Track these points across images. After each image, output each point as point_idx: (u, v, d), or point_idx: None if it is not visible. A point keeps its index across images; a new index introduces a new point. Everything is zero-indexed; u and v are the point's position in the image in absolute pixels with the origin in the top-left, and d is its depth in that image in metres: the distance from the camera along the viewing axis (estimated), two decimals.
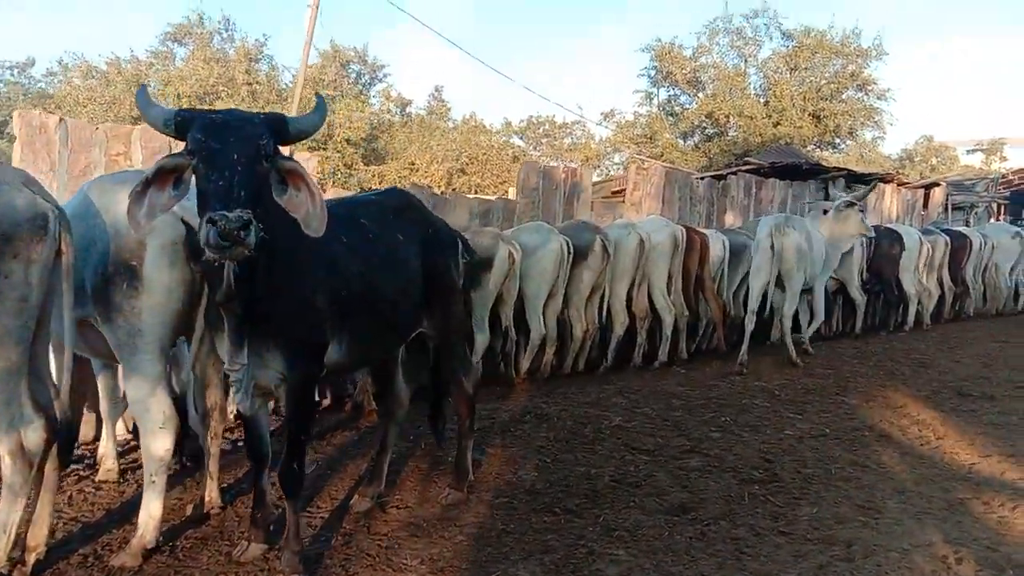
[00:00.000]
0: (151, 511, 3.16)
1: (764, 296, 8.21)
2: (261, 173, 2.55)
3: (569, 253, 7.50)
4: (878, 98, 23.99)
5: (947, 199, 21.53)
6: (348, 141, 19.96)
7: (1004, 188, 32.55)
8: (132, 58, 24.01)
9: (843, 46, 23.89)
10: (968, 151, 45.74)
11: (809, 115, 22.65)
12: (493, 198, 12.34)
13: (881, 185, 18.10)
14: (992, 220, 22.14)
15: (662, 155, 22.74)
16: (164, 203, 2.58)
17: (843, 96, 23.58)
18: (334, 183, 18.75)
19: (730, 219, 13.56)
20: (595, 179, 15.12)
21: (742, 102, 22.80)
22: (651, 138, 24.79)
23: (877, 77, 23.57)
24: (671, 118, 25.79)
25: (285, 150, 2.92)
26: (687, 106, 25.22)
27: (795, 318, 8.76)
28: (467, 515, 3.79)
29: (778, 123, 22.54)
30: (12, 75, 30.73)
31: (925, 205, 20.30)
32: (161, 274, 3.06)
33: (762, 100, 24.08)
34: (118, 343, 3.15)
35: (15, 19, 48.52)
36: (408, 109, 37.33)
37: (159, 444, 3.15)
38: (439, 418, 4.04)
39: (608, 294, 7.93)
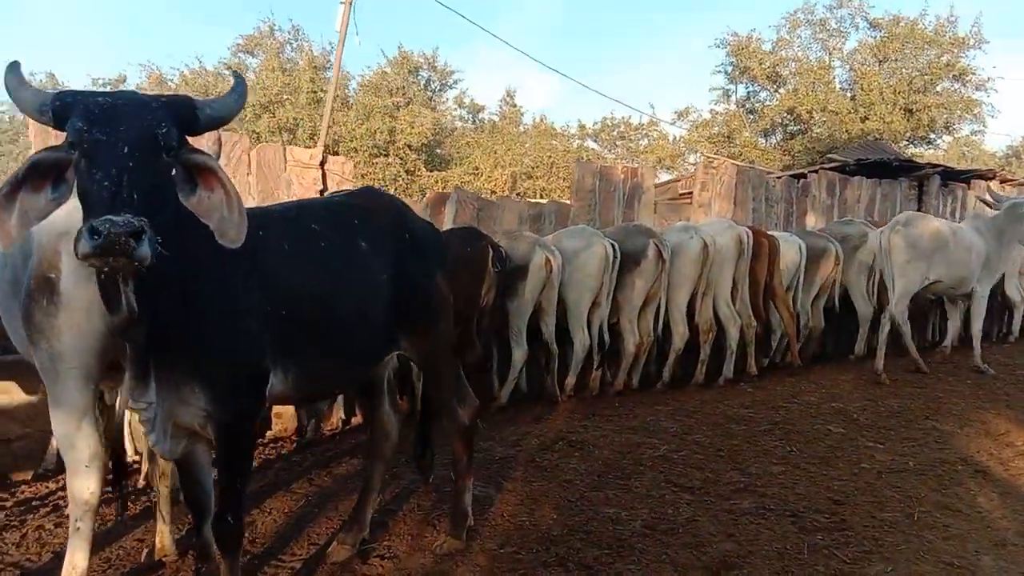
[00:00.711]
0: (75, 562, 2.74)
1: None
2: (160, 169, 2.06)
3: (616, 258, 6.89)
4: (977, 89, 22.28)
5: None
6: (410, 147, 19.71)
7: None
8: (200, 68, 24.42)
9: (937, 35, 22.28)
10: None
11: (900, 109, 21.15)
12: (545, 202, 11.78)
13: (982, 183, 16.74)
14: None
15: (740, 154, 21.66)
16: (41, 208, 2.12)
17: (937, 88, 21.96)
18: (395, 190, 18.55)
19: (811, 221, 12.62)
20: (663, 179, 14.36)
21: (826, 96, 21.49)
22: (728, 137, 23.68)
23: (975, 67, 21.95)
24: (750, 116, 24.63)
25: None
26: (767, 103, 23.99)
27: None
28: (462, 568, 3.25)
29: (866, 118, 21.11)
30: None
31: None
32: (79, 289, 2.64)
33: (848, 94, 22.67)
34: (42, 368, 2.75)
35: (109, 36, 50.67)
36: (481, 115, 37.37)
37: (84, 485, 2.73)
38: (425, 450, 3.51)
39: (665, 303, 7.27)
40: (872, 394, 6.83)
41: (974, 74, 22.16)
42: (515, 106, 36.67)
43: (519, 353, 6.59)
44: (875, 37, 23.16)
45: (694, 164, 26.00)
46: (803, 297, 8.71)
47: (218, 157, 4.37)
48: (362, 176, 18.68)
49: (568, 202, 10.42)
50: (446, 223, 8.86)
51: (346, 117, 19.83)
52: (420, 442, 3.52)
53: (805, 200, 12.83)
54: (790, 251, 8.36)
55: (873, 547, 3.64)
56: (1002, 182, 17.73)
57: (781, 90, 23.27)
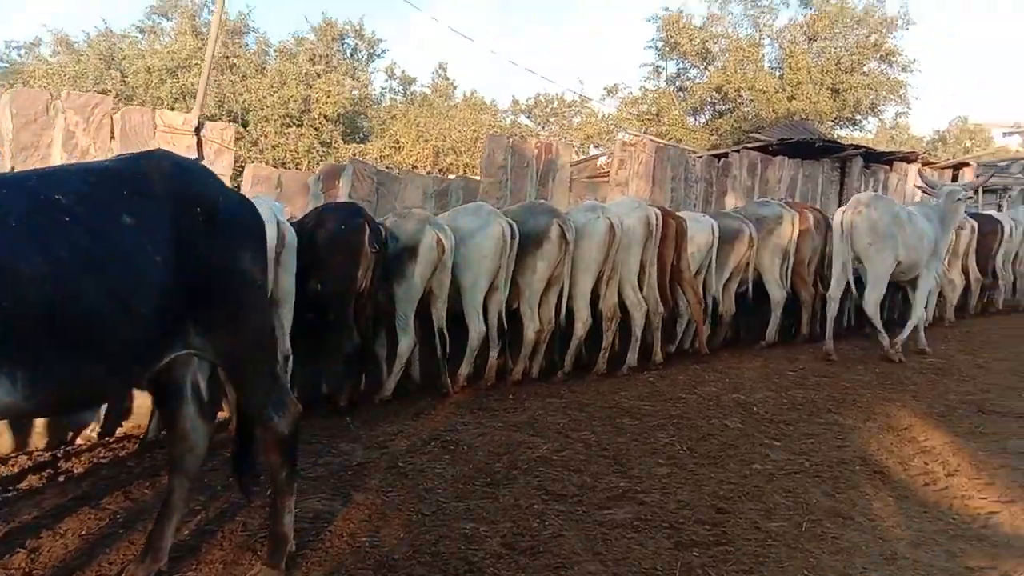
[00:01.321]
0: None
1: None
2: None
3: (513, 239, 6.48)
4: (903, 70, 22.52)
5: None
6: (326, 117, 18.91)
7: None
8: (107, 31, 23.04)
9: (867, 14, 22.43)
10: (1005, 133, 44.11)
11: (827, 89, 21.24)
12: (452, 177, 11.31)
13: (904, 166, 16.89)
14: None
15: (667, 133, 21.49)
16: None
17: (864, 68, 22.11)
18: (309, 162, 17.80)
19: (732, 201, 12.44)
20: (590, 155, 13.96)
21: (754, 75, 21.42)
22: (657, 115, 23.51)
23: (902, 47, 22.15)
24: (680, 93, 24.47)
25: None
26: (696, 80, 23.85)
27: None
28: None
29: (792, 97, 21.12)
30: (19, 55, 29.87)
31: None
32: None
33: (777, 73, 22.65)
34: None
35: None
36: (413, 88, 36.46)
37: None
38: (243, 465, 3.04)
39: (568, 288, 6.88)
40: (777, 384, 6.61)
41: (900, 55, 22.43)
42: (447, 79, 36.02)
43: (406, 342, 6.14)
44: (805, 15, 23.22)
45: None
46: (715, 281, 8.45)
47: None
48: (272, 147, 17.87)
49: (478, 178, 9.96)
50: (341, 198, 8.32)
51: (259, 84, 18.89)
52: (238, 455, 3.05)
53: (726, 180, 12.64)
54: (701, 233, 8.10)
55: (753, 564, 3.33)
56: (924, 164, 17.93)
57: (711, 68, 23.14)
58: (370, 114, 23.62)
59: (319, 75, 19.91)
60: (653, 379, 6.83)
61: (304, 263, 5.52)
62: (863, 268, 7.76)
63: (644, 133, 23.29)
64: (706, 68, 23.68)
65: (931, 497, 4.24)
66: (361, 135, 21.55)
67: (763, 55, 23.19)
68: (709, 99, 23.16)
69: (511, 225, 6.48)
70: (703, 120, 24.37)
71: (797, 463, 4.61)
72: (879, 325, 7.84)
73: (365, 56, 32.75)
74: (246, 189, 7.73)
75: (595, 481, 4.13)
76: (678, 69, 25.03)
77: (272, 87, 18.59)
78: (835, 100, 21.54)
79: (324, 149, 18.53)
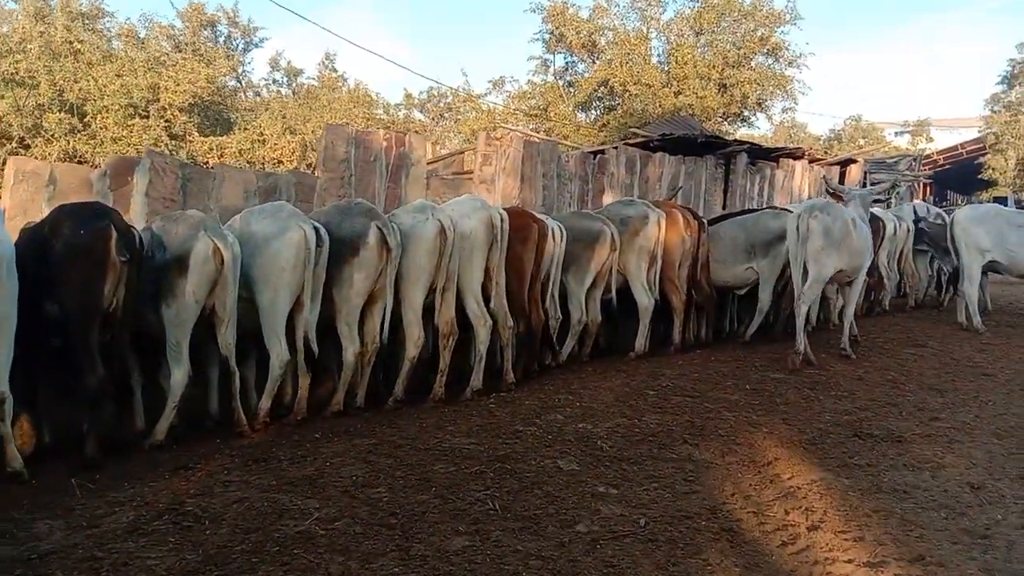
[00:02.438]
0: None
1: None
2: None
3: (320, 246, 5.50)
4: (790, 64, 22.55)
5: (866, 177, 20.38)
6: (180, 108, 17.40)
7: (929, 168, 32.05)
8: None
9: (754, 8, 22.35)
10: (896, 132, 45.96)
11: (714, 84, 21.02)
12: (281, 172, 10.24)
13: (791, 162, 16.71)
14: (915, 201, 21.24)
15: (553, 129, 20.85)
16: None
17: (752, 63, 22.02)
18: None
19: (609, 199, 11.78)
20: (458, 150, 13.03)
21: (640, 69, 20.99)
22: (545, 110, 22.85)
23: (788, 42, 22.17)
24: (570, 88, 23.90)
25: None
26: (584, 75, 23.32)
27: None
28: None
29: (679, 92, 20.83)
30: None
31: (841, 183, 19.06)
32: None
33: (664, 68, 22.32)
34: None
35: None
36: (300, 80, 34.86)
37: None
38: None
39: (391, 302, 5.95)
40: (633, 408, 5.85)
41: (787, 49, 22.44)
42: (335, 71, 34.59)
43: (179, 374, 5.08)
44: (692, 8, 23.01)
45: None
46: (575, 288, 7.70)
47: None
48: (113, 140, 16.28)
49: (317, 173, 8.94)
50: (135, 196, 7.17)
51: (102, 72, 17.20)
52: None
53: (602, 178, 12.00)
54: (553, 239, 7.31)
55: None
56: (811, 161, 17.87)
57: (598, 61, 22.62)
58: (238, 106, 22.07)
59: (172, 62, 18.33)
60: (496, 405, 5.99)
61: (36, 278, 4.44)
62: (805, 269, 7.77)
63: (534, 129, 22.61)
64: (593, 62, 23.17)
65: (787, 563, 3.51)
66: (223, 128, 20.06)
67: (650, 49, 22.88)
68: (597, 94, 22.63)
69: (317, 230, 5.51)
70: (593, 116, 23.85)
71: (631, 521, 3.82)
72: (801, 326, 7.62)
73: (241, 45, 31.16)
74: (7, 187, 6.50)
75: (362, 567, 3.21)
76: (566, 63, 24.49)
77: (117, 74, 16.94)
78: (722, 95, 21.35)
79: (174, 142, 17.02)
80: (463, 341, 6.53)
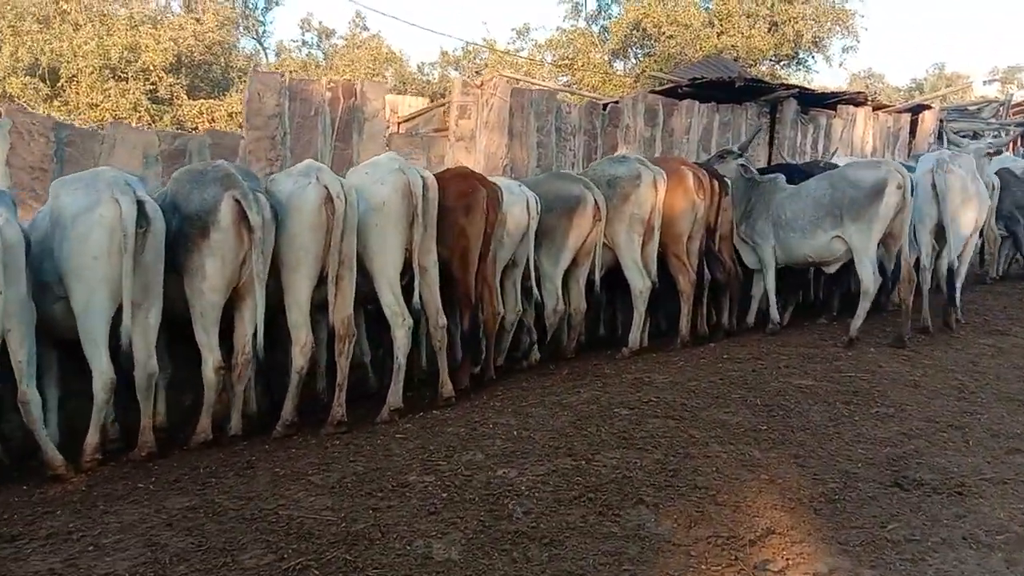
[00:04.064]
0: None
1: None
2: None
3: (145, 227, 4.16)
4: None
5: (942, 126, 18.21)
6: (164, 69, 16.23)
7: (1019, 115, 29.26)
8: None
9: None
10: (985, 82, 42.89)
11: (764, 21, 18.87)
12: (195, 133, 8.91)
13: (851, 109, 14.77)
14: (1006, 153, 19.08)
15: (582, 80, 19.11)
16: None
17: None
18: (136, 123, 15.17)
19: None
20: (437, 103, 11.51)
21: (677, 7, 19.00)
22: (573, 60, 21.05)
23: None
24: (605, 35, 22.02)
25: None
26: (617, 18, 21.38)
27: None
28: None
29: (722, 33, 18.80)
30: None
31: (913, 134, 17.01)
32: None
33: (707, 5, 20.25)
34: None
35: None
36: (333, 40, 33.97)
37: None
38: None
39: (261, 299, 4.58)
40: (589, 439, 4.40)
41: None
42: (366, 30, 33.50)
43: None
44: None
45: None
46: (549, 268, 6.26)
47: None
48: (90, 106, 15.22)
49: (241, 132, 7.60)
50: None
51: (78, 33, 16.11)
52: None
53: (615, 132, 10.39)
54: (513, 208, 5.86)
55: None
56: (875, 109, 15.88)
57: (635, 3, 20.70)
58: (243, 66, 20.87)
59: (156, 19, 17.15)
60: (403, 437, 4.61)
61: None
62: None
63: (564, 83, 20.94)
64: (629, 2, 21.22)
65: None
66: (221, 90, 18.89)
67: None
68: (631, 39, 20.72)
69: (142, 204, 4.15)
70: (630, 65, 21.97)
71: None
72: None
73: (261, 5, 30.16)
74: None
75: None
76: (599, 5, 22.55)
77: (94, 35, 15.83)
78: (773, 35, 19.22)
79: (157, 107, 15.88)
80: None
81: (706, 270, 7.12)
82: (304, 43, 34.25)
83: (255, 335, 4.56)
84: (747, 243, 7.45)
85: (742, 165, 7.55)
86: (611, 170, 6.68)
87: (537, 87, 10.85)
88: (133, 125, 15.03)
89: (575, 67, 20.26)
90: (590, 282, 6.62)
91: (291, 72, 27.77)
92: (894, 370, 5.97)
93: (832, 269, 7.44)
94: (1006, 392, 5.48)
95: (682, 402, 5.10)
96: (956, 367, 6.11)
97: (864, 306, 6.72)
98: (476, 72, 35.19)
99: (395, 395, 5.07)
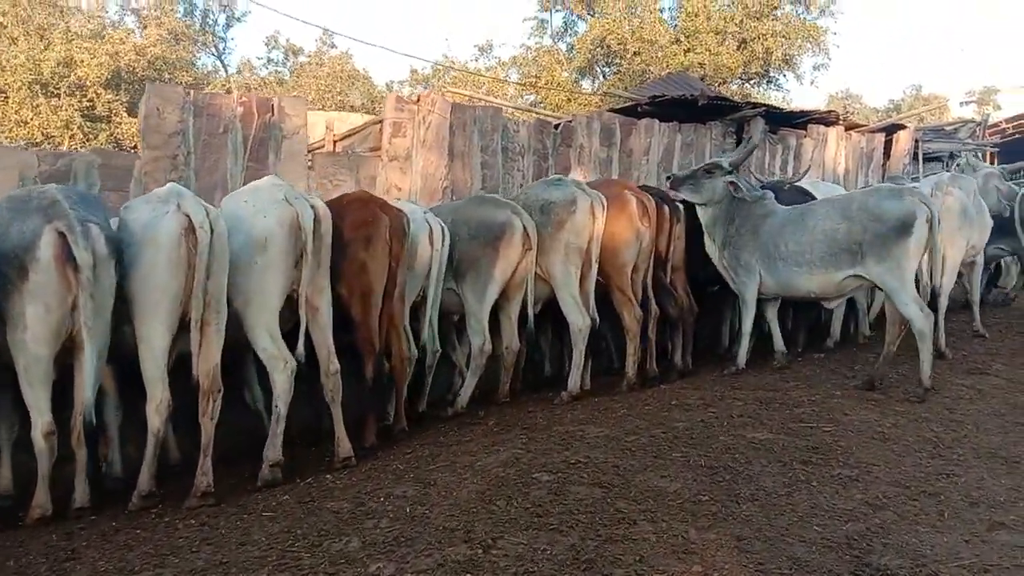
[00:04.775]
0: None
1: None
2: None
3: None
4: (821, 12, 19.67)
5: (917, 146, 17.82)
6: (103, 85, 15.47)
7: (995, 136, 29.09)
8: None
9: None
10: (961, 103, 43.05)
11: (732, 38, 18.34)
12: (83, 151, 8.20)
13: (822, 129, 14.25)
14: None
15: (544, 99, 18.53)
16: None
17: (776, 13, 19.28)
18: (68, 142, 14.39)
19: (579, 179, 9.57)
20: (372, 120, 10.73)
21: (640, 24, 18.47)
22: (538, 77, 20.48)
23: None
24: (571, 52, 21.48)
25: None
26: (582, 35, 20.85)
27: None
28: None
29: (689, 50, 18.29)
30: None
31: (887, 154, 16.55)
32: None
33: (674, 23, 19.74)
34: None
35: None
36: (300, 59, 33.50)
37: None
38: None
39: (91, 350, 3.86)
40: (492, 518, 3.72)
41: None
42: (334, 47, 33.02)
43: None
44: None
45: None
46: (474, 304, 5.61)
47: None
48: (20, 124, 14.43)
49: (138, 152, 6.88)
50: None
51: (11, 48, 15.34)
52: None
53: (568, 152, 9.76)
54: (420, 237, 5.22)
55: None
56: (848, 128, 15.37)
57: (596, 17, 20.12)
58: (186, 81, 19.99)
59: (92, 32, 16.37)
60: (271, 516, 3.88)
61: None
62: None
63: (530, 103, 20.39)
64: (596, 19, 20.71)
65: None
66: None
67: (658, 1, 20.27)
68: (596, 57, 20.18)
69: None
70: (597, 84, 21.45)
71: None
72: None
73: (220, 23, 29.59)
74: None
75: None
76: (565, 23, 22.05)
77: (28, 49, 15.07)
78: (741, 52, 18.73)
79: (92, 125, 15.11)
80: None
81: (654, 304, 6.49)
82: (270, 60, 33.82)
83: (91, 393, 3.84)
84: (728, 273, 6.67)
85: (731, 183, 6.66)
86: (544, 194, 6.03)
87: (485, 103, 10.20)
88: (63, 144, 14.30)
89: (539, 85, 19.69)
90: (525, 318, 5.97)
91: (254, 89, 27.26)
92: (861, 419, 5.33)
93: (834, 304, 6.82)
94: (986, 447, 4.85)
95: (615, 463, 4.42)
96: (930, 415, 5.47)
97: (926, 349, 5.83)
98: (447, 90, 34.72)
99: (274, 449, 4.39)
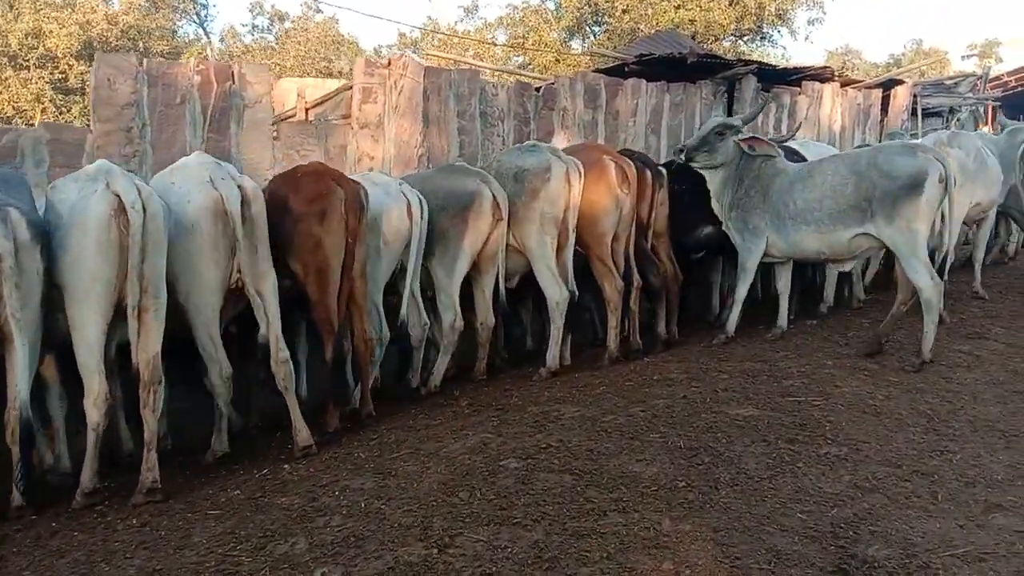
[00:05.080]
0: None
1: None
2: None
3: None
4: None
5: (916, 101, 17.43)
6: (75, 55, 15.06)
7: (997, 90, 28.59)
8: None
9: None
10: (963, 57, 42.50)
11: None
12: (31, 127, 7.90)
13: (817, 86, 13.88)
14: (982, 128, 18.34)
15: (532, 61, 18.07)
16: None
17: None
18: (41, 114, 14.03)
19: (563, 143, 9.26)
20: (343, 86, 10.32)
21: None
22: (525, 37, 19.97)
23: None
24: (559, 11, 20.94)
25: None
26: None
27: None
28: None
29: (679, 6, 17.79)
30: None
31: (885, 110, 16.18)
32: None
33: None
34: None
35: None
36: (286, 24, 33.05)
37: None
38: None
39: (23, 344, 3.61)
40: (453, 511, 3.49)
41: None
42: (319, 12, 32.52)
43: None
44: None
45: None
46: (443, 278, 5.36)
47: None
48: None
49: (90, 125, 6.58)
50: None
51: None
52: None
53: (550, 115, 9.44)
54: (391, 211, 4.92)
55: None
56: (843, 84, 15.00)
57: None
58: (161, 50, 19.50)
59: (61, 3, 15.89)
60: (217, 513, 3.66)
61: None
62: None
63: (518, 66, 19.93)
64: None
65: None
66: None
67: None
68: (584, 16, 19.66)
69: None
70: (588, 44, 20.95)
71: None
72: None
73: None
74: None
75: None
76: None
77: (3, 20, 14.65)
78: (733, 7, 18.24)
79: (65, 97, 14.73)
80: None
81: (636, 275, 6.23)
82: (255, 27, 33.36)
83: (24, 387, 3.59)
84: (734, 236, 6.32)
85: (752, 139, 6.23)
86: (518, 161, 5.74)
87: (472, 67, 9.85)
88: (35, 118, 13.94)
89: (526, 47, 19.22)
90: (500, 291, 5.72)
91: (238, 57, 26.79)
92: (852, 391, 5.09)
93: (849, 267, 6.55)
94: (984, 419, 4.62)
95: (589, 447, 4.19)
96: (925, 385, 5.24)
97: (931, 320, 5.55)
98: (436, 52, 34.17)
99: (220, 443, 4.15)
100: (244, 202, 4.05)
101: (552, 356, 5.81)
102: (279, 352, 4.25)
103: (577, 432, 4.41)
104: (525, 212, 5.60)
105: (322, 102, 8.94)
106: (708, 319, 7.76)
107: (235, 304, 4.38)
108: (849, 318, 7.25)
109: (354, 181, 4.70)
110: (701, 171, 6.26)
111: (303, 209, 4.47)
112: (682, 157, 6.25)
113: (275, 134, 7.29)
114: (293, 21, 31.64)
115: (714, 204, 6.35)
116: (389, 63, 7.97)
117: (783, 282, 6.63)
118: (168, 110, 6.54)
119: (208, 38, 29.60)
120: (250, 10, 32.90)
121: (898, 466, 3.95)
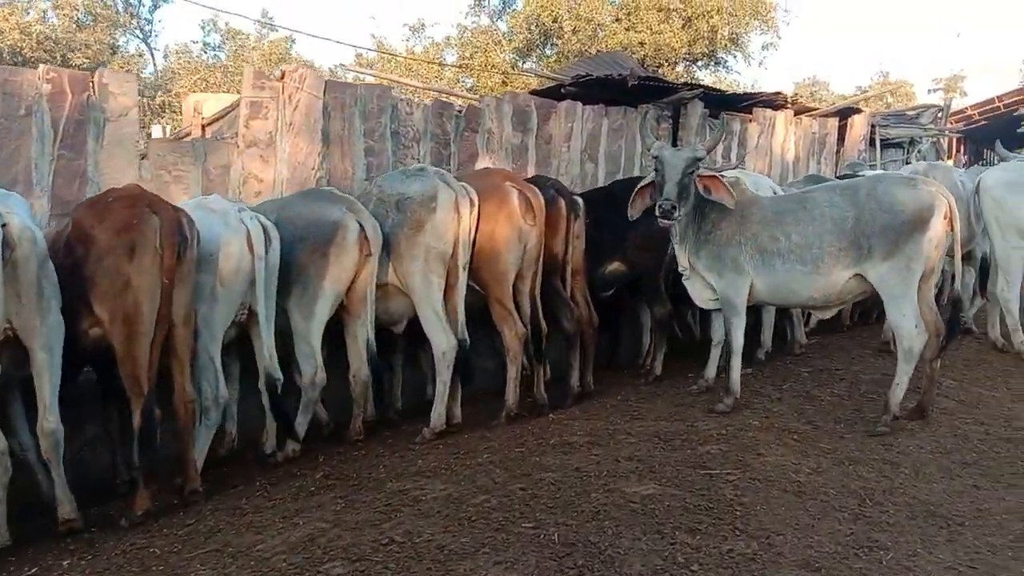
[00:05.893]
0: None
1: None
2: None
3: None
4: None
5: (873, 131, 17.04)
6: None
7: (961, 123, 28.49)
8: None
9: None
10: (929, 90, 42.91)
11: (678, 16, 17.22)
12: None
13: (769, 113, 13.34)
14: (944, 161, 18.02)
15: (476, 83, 17.43)
16: None
17: None
18: None
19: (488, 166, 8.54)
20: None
21: (580, 1, 17.33)
22: (471, 58, 19.30)
23: None
24: (510, 32, 20.37)
25: None
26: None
27: None
28: None
29: (629, 28, 17.23)
30: None
31: (841, 140, 15.73)
32: None
33: (615, 1, 18.62)
34: None
35: None
36: (239, 42, 32.41)
37: None
38: None
39: None
40: None
41: None
42: (274, 30, 31.89)
43: None
44: None
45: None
46: (301, 324, 4.57)
47: None
48: None
49: None
50: None
51: None
52: None
53: (474, 138, 8.72)
54: (233, 243, 4.16)
55: None
56: (797, 113, 14.49)
57: None
58: (78, 64, 18.52)
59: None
60: None
61: None
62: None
63: (459, 86, 19.30)
64: None
65: None
66: None
67: None
68: (533, 37, 19.07)
69: None
70: (541, 65, 20.39)
71: None
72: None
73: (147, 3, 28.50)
74: None
75: None
76: (503, 1, 20.92)
77: None
78: (686, 31, 17.72)
79: None
80: None
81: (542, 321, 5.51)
82: (206, 45, 32.66)
83: None
84: (711, 277, 5.43)
85: (711, 176, 5.34)
86: (400, 187, 5.01)
87: (421, 88, 9.15)
88: None
89: (472, 68, 18.57)
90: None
91: (180, 74, 25.92)
92: (776, 462, 4.39)
93: (830, 315, 5.85)
94: (924, 501, 3.93)
95: (441, 543, 3.42)
96: (861, 454, 4.56)
97: (905, 371, 4.97)
98: (396, 73, 33.57)
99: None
100: (5, 244, 3.25)
101: (437, 415, 5.05)
102: (45, 423, 3.44)
103: (434, 520, 3.64)
104: (408, 246, 4.86)
105: (218, 118, 8.16)
106: (637, 363, 7.11)
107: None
108: (788, 366, 6.60)
109: (175, 208, 3.93)
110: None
111: (108, 242, 3.69)
112: (660, 214, 5.30)
113: (143, 153, 6.48)
114: (244, 38, 30.98)
115: (676, 249, 5.48)
116: (283, 75, 7.20)
117: (718, 330, 5.92)
118: (10, 123, 5.71)
119: (152, 54, 28.76)
120: (202, 27, 32.24)
121: (816, 569, 3.23)
